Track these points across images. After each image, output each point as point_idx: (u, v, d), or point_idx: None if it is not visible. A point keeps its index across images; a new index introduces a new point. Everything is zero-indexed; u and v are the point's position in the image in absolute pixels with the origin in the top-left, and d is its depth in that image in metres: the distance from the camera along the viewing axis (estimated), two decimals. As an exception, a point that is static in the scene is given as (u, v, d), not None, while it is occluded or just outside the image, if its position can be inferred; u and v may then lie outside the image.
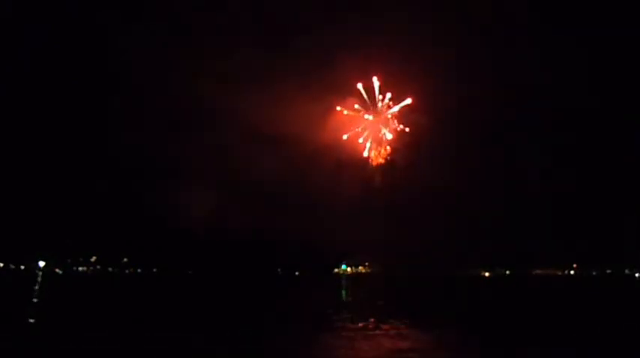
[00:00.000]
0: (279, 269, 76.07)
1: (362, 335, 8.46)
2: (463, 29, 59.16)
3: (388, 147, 66.43)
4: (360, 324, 9.93)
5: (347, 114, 63.67)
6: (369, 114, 64.24)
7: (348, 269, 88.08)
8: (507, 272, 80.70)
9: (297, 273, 75.82)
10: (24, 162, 62.87)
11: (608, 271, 76.83)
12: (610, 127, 64.42)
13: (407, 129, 63.29)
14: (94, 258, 76.20)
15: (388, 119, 64.28)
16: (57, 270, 73.10)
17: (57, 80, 60.33)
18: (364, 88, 63.29)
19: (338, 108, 63.59)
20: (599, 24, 58.90)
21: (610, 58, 60.92)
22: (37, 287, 26.47)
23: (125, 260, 74.64)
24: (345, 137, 62.72)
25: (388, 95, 65.06)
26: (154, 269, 71.27)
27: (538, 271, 79.91)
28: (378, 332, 9.12)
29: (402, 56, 62.53)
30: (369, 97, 63.28)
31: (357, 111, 63.00)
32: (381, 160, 65.52)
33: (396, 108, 63.41)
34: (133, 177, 61.17)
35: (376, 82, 64.22)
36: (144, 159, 60.31)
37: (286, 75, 59.00)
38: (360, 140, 64.43)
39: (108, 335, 8.53)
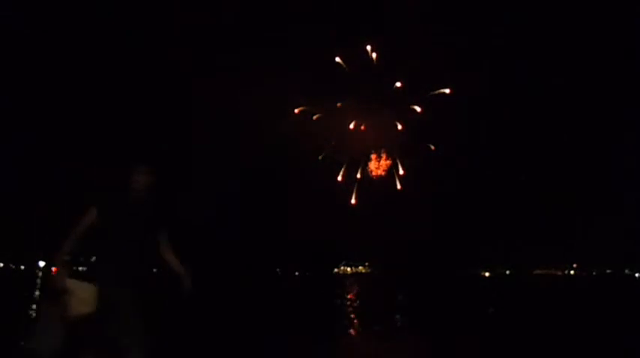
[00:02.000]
0: (278, 269, 76.04)
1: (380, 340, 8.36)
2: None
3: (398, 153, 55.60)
4: (378, 328, 9.83)
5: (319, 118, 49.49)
6: (356, 118, 50.92)
7: (348, 269, 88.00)
8: (507, 272, 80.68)
9: (296, 273, 75.82)
10: (23, 161, 62.84)
11: (608, 271, 76.94)
12: (609, 126, 64.40)
13: (432, 147, 49.24)
14: (94, 258, 76.33)
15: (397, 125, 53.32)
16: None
17: (56, 79, 60.36)
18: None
19: (296, 110, 49.57)
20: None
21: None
22: (37, 284, 26.42)
23: (125, 260, 74.71)
24: (320, 157, 47.43)
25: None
26: (154, 269, 71.28)
27: (538, 271, 79.96)
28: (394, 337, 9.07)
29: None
30: (359, 86, 46.81)
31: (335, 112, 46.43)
32: (382, 173, 59.48)
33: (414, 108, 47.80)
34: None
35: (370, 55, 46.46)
36: (143, 158, 60.34)
37: (287, 72, 57.70)
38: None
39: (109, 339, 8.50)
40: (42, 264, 73.93)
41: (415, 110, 54.34)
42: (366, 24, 52.80)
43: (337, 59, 51.40)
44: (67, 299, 3.64)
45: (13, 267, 75.41)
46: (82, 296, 3.68)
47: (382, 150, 58.94)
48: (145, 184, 3.85)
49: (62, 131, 61.62)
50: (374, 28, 52.01)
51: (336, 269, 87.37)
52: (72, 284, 3.70)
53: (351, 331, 9.73)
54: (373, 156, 59.92)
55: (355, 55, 52.46)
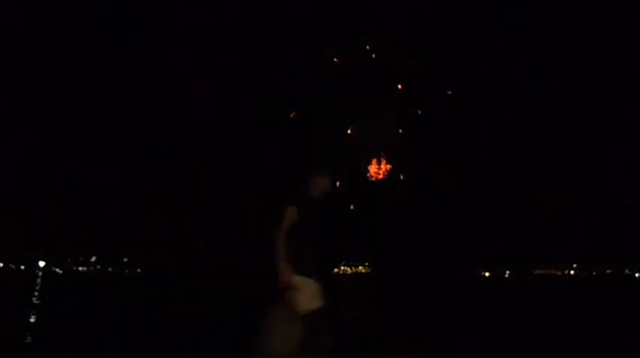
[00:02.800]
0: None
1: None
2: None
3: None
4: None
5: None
6: (355, 122, 51.33)
7: (348, 269, 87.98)
8: (507, 272, 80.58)
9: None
10: (23, 161, 62.85)
11: (608, 271, 76.83)
12: (609, 126, 64.37)
13: (432, 149, 48.84)
14: (94, 258, 76.18)
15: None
16: (57, 270, 73.11)
17: (56, 79, 60.33)
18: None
19: (291, 114, 50.45)
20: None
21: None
22: (37, 287, 26.43)
23: (125, 260, 74.62)
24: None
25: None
26: (154, 270, 71.32)
27: (538, 271, 79.83)
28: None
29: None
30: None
31: None
32: (382, 176, 59.82)
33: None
34: (133, 176, 61.21)
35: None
36: (142, 158, 60.36)
37: (286, 73, 57.35)
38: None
39: (109, 338, 8.54)
40: (42, 264, 73.78)
41: (415, 112, 54.81)
42: (366, 24, 52.87)
43: (336, 60, 52.39)
44: (294, 295, 3.69)
45: (13, 267, 75.28)
46: (310, 292, 3.75)
47: (382, 155, 59.08)
48: (325, 189, 4.16)
49: (62, 131, 61.58)
50: (374, 28, 52.22)
51: (335, 269, 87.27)
52: (298, 280, 3.75)
53: (350, 330, 9.74)
54: (373, 161, 60.13)
55: (355, 55, 52.99)
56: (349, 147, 58.36)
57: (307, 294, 3.74)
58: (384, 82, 54.47)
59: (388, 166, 60.88)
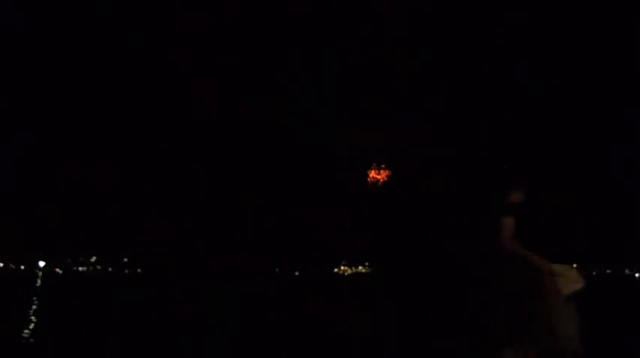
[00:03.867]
0: (277, 269, 75.98)
1: None
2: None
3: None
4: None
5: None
6: (354, 124, 52.33)
7: (348, 269, 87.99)
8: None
9: (296, 273, 75.75)
10: (23, 161, 62.86)
11: (608, 271, 76.88)
12: (609, 126, 64.39)
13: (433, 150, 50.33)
14: (94, 258, 76.21)
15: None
16: (57, 270, 73.17)
17: (56, 79, 60.35)
18: None
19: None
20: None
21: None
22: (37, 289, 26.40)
23: (125, 260, 74.64)
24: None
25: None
26: (154, 270, 71.44)
27: (538, 271, 79.78)
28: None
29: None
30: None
31: None
32: (382, 179, 60.09)
33: None
34: (133, 176, 61.22)
35: None
36: (142, 158, 60.38)
37: (286, 73, 57.26)
38: None
39: (109, 338, 8.54)
40: (42, 264, 73.83)
41: (416, 113, 55.00)
42: (366, 24, 52.97)
43: (335, 60, 53.11)
44: (557, 280, 4.12)
45: (13, 267, 75.33)
46: (570, 276, 4.18)
47: (382, 159, 59.20)
48: (519, 201, 4.71)
49: (62, 131, 61.57)
50: (374, 28, 52.32)
51: (336, 269, 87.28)
52: (557, 267, 4.25)
53: (349, 330, 9.74)
54: (373, 166, 60.23)
55: (354, 55, 53.43)
56: (349, 149, 58.12)
57: (569, 278, 4.16)
58: (384, 82, 54.65)
59: (388, 171, 60.75)
